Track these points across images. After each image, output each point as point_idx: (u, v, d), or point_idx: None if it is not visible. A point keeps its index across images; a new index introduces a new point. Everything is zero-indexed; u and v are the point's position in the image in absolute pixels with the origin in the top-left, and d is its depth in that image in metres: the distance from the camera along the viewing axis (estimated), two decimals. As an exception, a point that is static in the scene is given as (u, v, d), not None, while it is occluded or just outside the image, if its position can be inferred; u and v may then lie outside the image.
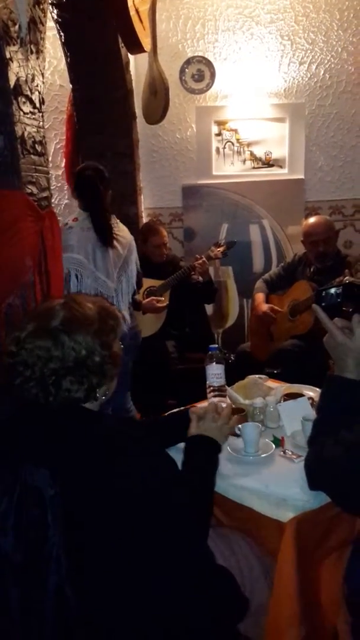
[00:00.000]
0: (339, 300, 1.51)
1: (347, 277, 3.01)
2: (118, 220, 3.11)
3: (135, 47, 3.75)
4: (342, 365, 1.46)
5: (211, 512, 1.52)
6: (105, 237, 2.90)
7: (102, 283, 2.86)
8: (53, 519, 1.24)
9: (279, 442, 1.90)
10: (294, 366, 3.29)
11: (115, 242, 2.97)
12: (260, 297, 3.77)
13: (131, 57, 4.21)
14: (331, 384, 1.49)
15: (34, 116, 2.38)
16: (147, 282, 3.72)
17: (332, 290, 1.53)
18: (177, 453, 1.64)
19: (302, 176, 4.59)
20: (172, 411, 2.17)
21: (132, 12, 3.48)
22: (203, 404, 2.25)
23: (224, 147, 4.60)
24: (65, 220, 3.00)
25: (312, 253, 3.54)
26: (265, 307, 3.68)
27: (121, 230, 3.07)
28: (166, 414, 2.15)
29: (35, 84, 2.38)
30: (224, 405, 1.77)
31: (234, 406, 2.13)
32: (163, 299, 3.80)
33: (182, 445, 1.70)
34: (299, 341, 3.46)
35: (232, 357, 4.01)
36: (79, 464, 1.28)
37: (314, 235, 3.49)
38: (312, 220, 3.61)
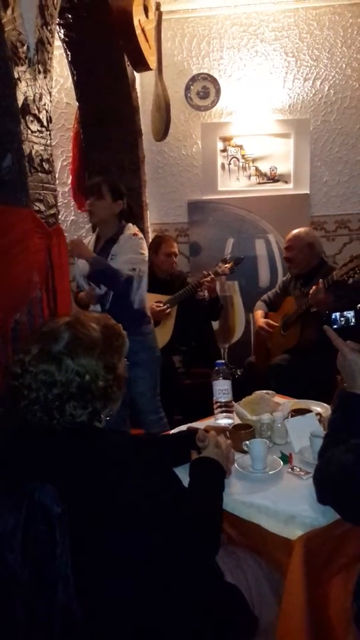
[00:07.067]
0: (351, 324, 1.65)
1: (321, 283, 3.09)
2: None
3: (141, 65, 3.81)
4: (352, 383, 1.55)
5: (220, 530, 1.51)
6: None
7: None
8: (61, 537, 1.23)
9: (287, 459, 1.89)
10: (283, 380, 3.30)
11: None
12: (259, 313, 3.83)
13: (137, 74, 4.26)
14: (342, 400, 1.58)
15: (41, 134, 2.41)
16: (154, 297, 3.73)
17: (346, 314, 1.66)
18: (182, 472, 1.64)
19: (307, 191, 4.60)
20: (178, 428, 2.17)
21: (138, 31, 3.53)
22: (207, 423, 2.26)
23: (229, 163, 4.63)
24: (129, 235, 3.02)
25: None
26: (261, 321, 3.74)
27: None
28: (171, 432, 2.14)
29: (43, 103, 2.41)
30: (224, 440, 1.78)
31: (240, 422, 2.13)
32: (166, 307, 3.77)
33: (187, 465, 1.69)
34: (289, 355, 3.50)
35: (238, 373, 4.01)
36: (85, 482, 1.28)
37: (285, 242, 3.66)
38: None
